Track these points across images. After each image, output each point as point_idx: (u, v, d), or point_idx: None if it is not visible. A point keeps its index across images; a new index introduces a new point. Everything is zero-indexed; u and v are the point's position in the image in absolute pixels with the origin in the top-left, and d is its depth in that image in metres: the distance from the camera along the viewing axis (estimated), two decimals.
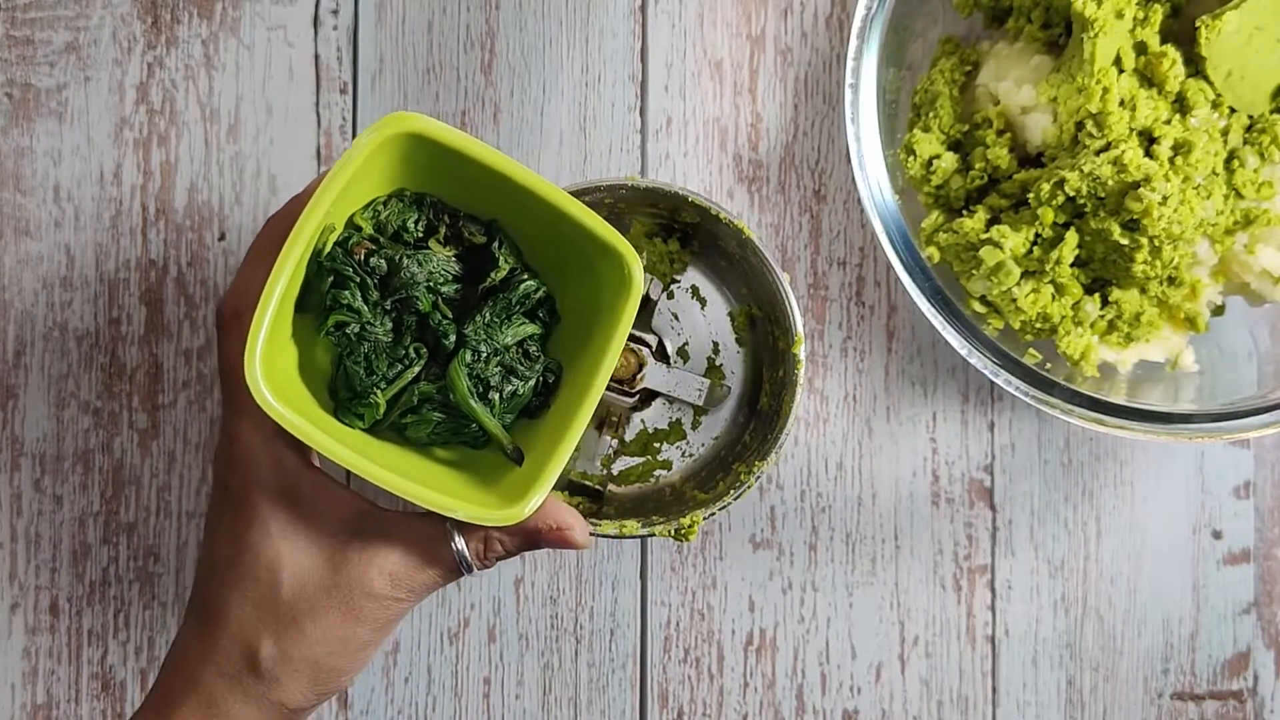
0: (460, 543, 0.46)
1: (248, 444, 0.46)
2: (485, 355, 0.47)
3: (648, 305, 0.59)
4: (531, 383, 0.48)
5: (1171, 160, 0.53)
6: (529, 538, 0.47)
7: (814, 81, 0.62)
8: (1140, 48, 0.55)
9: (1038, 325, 0.56)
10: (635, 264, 0.46)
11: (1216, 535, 0.62)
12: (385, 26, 0.62)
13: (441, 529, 0.47)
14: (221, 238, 0.61)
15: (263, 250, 0.46)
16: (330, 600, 0.45)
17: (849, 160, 0.56)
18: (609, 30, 0.62)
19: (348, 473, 0.50)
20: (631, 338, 0.57)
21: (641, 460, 0.60)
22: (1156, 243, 0.53)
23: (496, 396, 0.48)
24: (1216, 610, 0.62)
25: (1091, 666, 0.62)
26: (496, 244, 0.48)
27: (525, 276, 0.48)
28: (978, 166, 0.57)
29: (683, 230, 0.59)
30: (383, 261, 0.46)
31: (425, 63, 0.62)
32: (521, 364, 0.48)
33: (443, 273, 0.47)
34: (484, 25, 0.62)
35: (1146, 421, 0.55)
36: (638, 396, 0.58)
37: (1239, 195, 0.55)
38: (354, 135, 0.61)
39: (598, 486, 0.59)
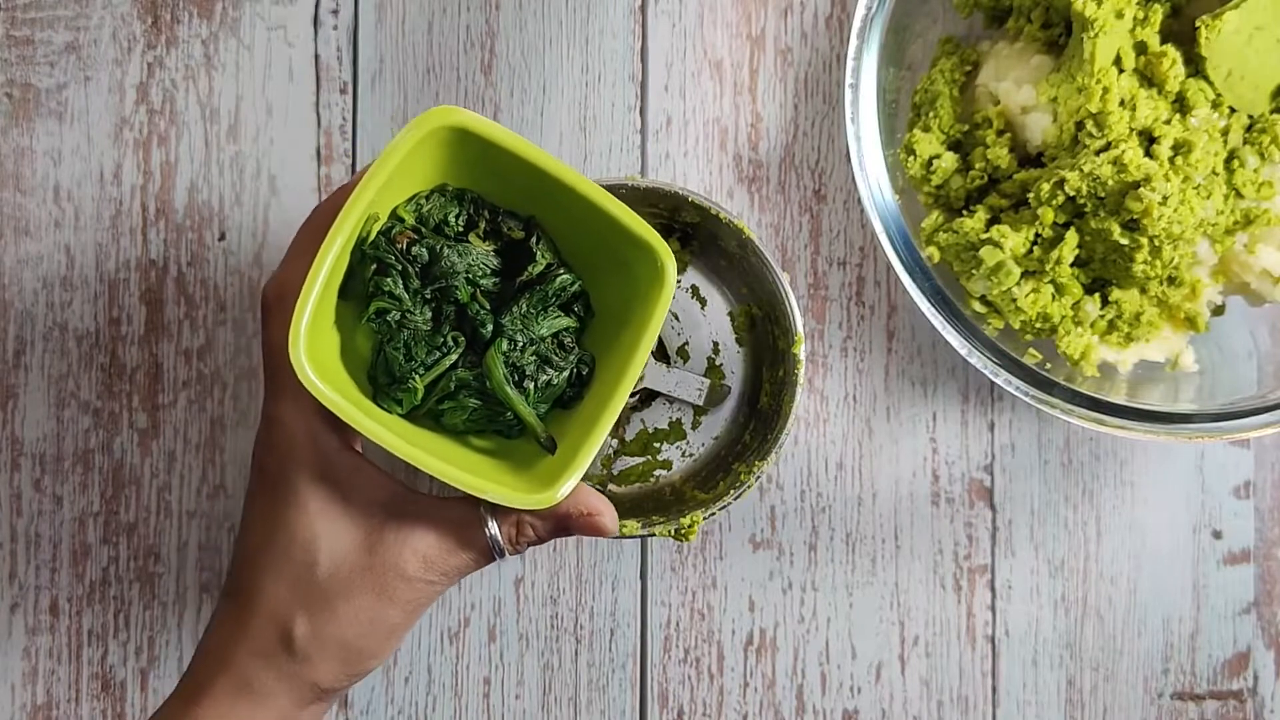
0: (493, 527, 0.47)
1: (288, 426, 0.46)
2: (521, 345, 0.48)
3: None
4: (566, 374, 0.49)
5: (1171, 160, 0.53)
6: (560, 523, 0.48)
7: (814, 81, 0.62)
8: (1140, 48, 0.55)
9: (1038, 325, 0.56)
10: (669, 259, 0.47)
11: (1216, 535, 0.62)
12: (385, 26, 0.62)
13: (475, 513, 0.47)
14: (221, 238, 0.61)
15: (307, 239, 0.47)
16: (364, 581, 0.46)
17: (849, 160, 0.56)
18: (609, 30, 0.62)
19: (385, 458, 0.50)
20: None
21: (641, 460, 0.60)
22: (1156, 243, 0.53)
23: (531, 385, 0.48)
24: (1216, 610, 0.62)
25: (1091, 666, 0.62)
26: (534, 239, 0.49)
27: (561, 271, 0.49)
28: (978, 166, 0.57)
29: (683, 230, 0.59)
30: (424, 251, 0.47)
31: (425, 63, 0.62)
32: (556, 355, 0.49)
33: (481, 265, 0.48)
34: (484, 25, 0.62)
35: (1146, 421, 0.55)
36: (638, 396, 0.58)
37: (1239, 195, 0.55)
38: (354, 135, 0.61)
39: (598, 486, 0.59)
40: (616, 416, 0.47)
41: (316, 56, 0.62)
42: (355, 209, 0.45)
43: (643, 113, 0.62)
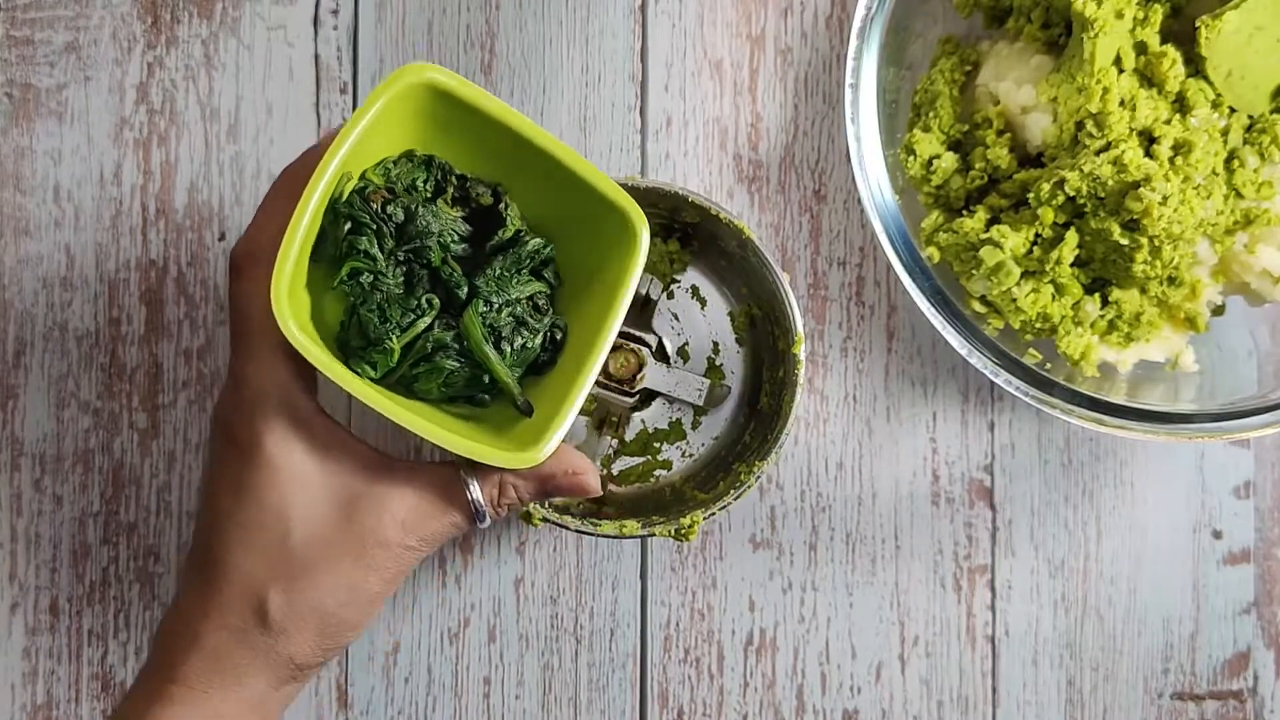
0: (475, 489, 0.46)
1: (260, 387, 0.45)
2: (497, 306, 0.48)
3: (648, 305, 0.59)
4: (540, 336, 0.48)
5: (1171, 160, 0.53)
6: (543, 483, 0.47)
7: (814, 81, 0.62)
8: (1140, 48, 0.55)
9: (1038, 325, 0.56)
10: (641, 221, 0.47)
11: (1216, 535, 0.62)
12: (385, 26, 0.62)
13: (455, 475, 0.46)
14: (221, 238, 0.61)
15: (277, 199, 0.46)
16: (342, 548, 0.45)
17: (849, 160, 0.56)
18: (609, 30, 0.62)
19: (356, 424, 0.50)
20: (632, 338, 0.57)
21: (641, 460, 0.60)
22: (1156, 243, 0.53)
23: (507, 349, 0.48)
24: (1216, 610, 0.62)
25: (1091, 666, 0.62)
26: (503, 205, 0.48)
27: (532, 236, 0.48)
28: (978, 166, 0.57)
29: (683, 230, 0.59)
30: (399, 210, 0.46)
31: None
32: (531, 317, 0.48)
33: (451, 230, 0.48)
34: (484, 25, 0.62)
35: (1146, 421, 0.55)
36: (638, 396, 0.58)
37: (1239, 195, 0.55)
38: None
39: None
40: (593, 377, 0.46)
41: (316, 56, 0.62)
42: (329, 165, 0.44)
43: (643, 113, 0.62)
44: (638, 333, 0.58)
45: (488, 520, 0.47)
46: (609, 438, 0.60)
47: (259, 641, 0.44)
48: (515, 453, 0.45)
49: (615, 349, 0.58)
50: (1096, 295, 0.56)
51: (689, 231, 0.59)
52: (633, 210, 0.47)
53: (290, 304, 0.44)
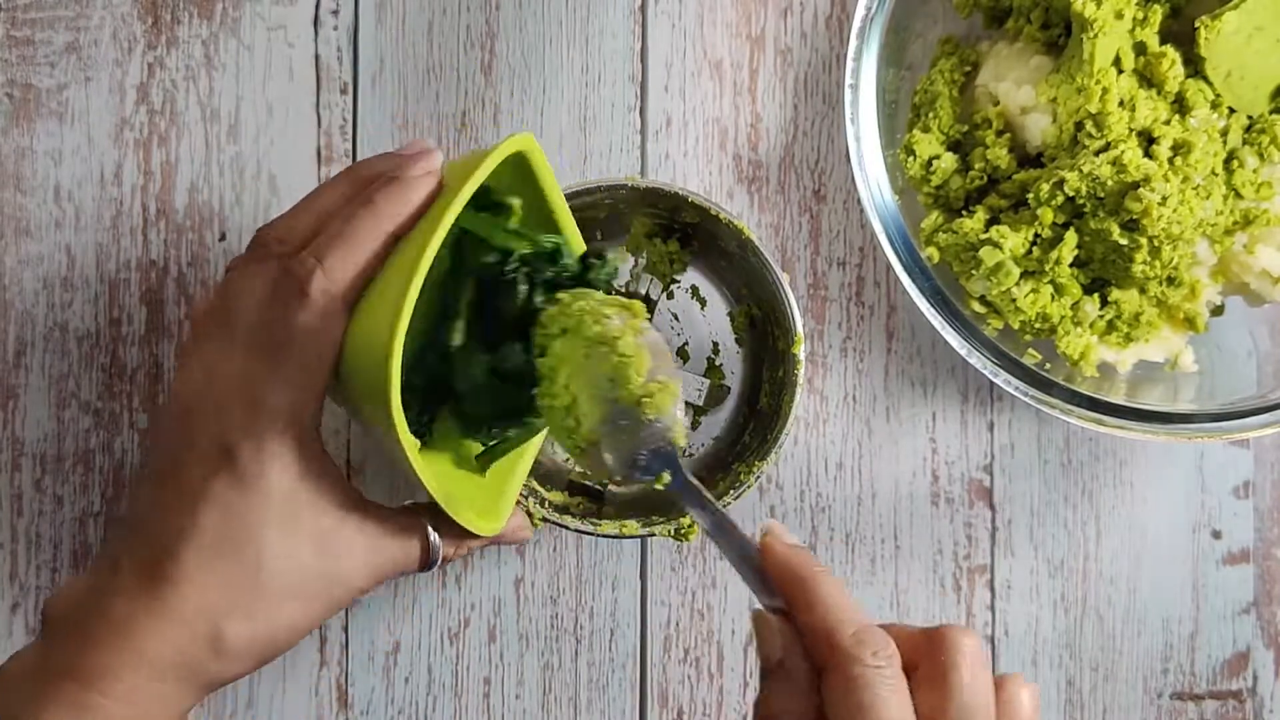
0: (436, 539, 0.48)
1: (280, 415, 0.44)
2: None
3: (647, 305, 0.59)
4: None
5: (1171, 160, 0.54)
6: (492, 538, 0.51)
7: (814, 82, 0.62)
8: (1140, 48, 0.55)
9: (1037, 325, 0.56)
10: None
11: (1216, 535, 0.63)
12: (385, 27, 0.62)
13: (418, 523, 0.48)
14: (222, 238, 0.61)
15: (370, 235, 0.45)
16: (310, 587, 0.45)
17: (849, 160, 0.56)
18: (609, 30, 0.62)
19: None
20: None
21: None
22: (1156, 243, 0.53)
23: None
24: (1216, 610, 0.62)
25: (1091, 666, 0.62)
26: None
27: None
28: (977, 167, 0.57)
29: (683, 230, 0.59)
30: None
31: (425, 63, 0.62)
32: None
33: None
34: (484, 26, 0.62)
35: (1146, 421, 0.55)
36: None
37: (1238, 195, 0.55)
38: (354, 136, 0.61)
39: (598, 486, 0.59)
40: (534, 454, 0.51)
41: (317, 57, 0.62)
42: (448, 217, 0.43)
43: (643, 113, 0.62)
44: None
45: (436, 568, 0.49)
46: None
47: (207, 665, 0.43)
48: (481, 521, 0.48)
49: None
50: (1096, 295, 0.56)
51: (689, 231, 0.59)
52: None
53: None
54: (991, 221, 0.57)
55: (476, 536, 0.49)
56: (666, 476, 0.44)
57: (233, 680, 0.45)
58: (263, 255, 0.46)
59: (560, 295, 0.47)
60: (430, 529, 0.48)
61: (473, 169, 0.44)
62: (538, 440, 0.52)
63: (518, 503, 0.53)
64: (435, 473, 0.47)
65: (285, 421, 0.44)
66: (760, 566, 0.41)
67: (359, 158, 0.61)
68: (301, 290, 0.44)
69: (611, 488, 0.59)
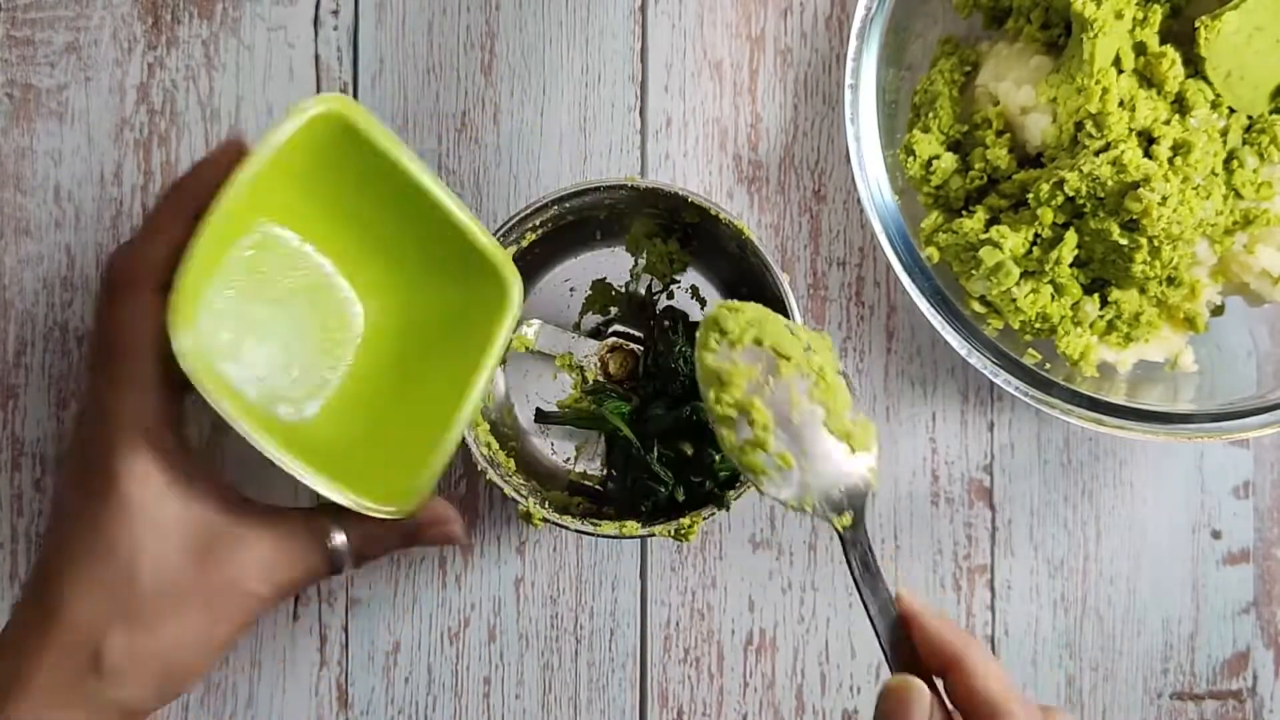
0: (339, 537, 0.45)
1: (124, 420, 0.42)
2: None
3: (647, 305, 0.59)
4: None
5: (1171, 160, 0.54)
6: (409, 536, 0.46)
7: (814, 82, 0.62)
8: (1140, 48, 0.55)
9: (1037, 325, 0.56)
10: (513, 278, 0.48)
11: (1216, 535, 0.63)
12: (385, 27, 0.62)
13: (318, 522, 0.45)
14: None
15: (167, 215, 0.43)
16: (193, 596, 0.42)
17: (849, 160, 0.56)
18: (609, 31, 0.62)
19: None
20: (630, 338, 0.57)
21: None
22: (1156, 243, 0.53)
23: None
24: (1216, 610, 0.62)
25: (1091, 666, 0.62)
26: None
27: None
28: (977, 167, 0.57)
29: (683, 230, 0.59)
30: None
31: (425, 63, 0.62)
32: None
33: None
34: (484, 26, 0.62)
35: (1146, 421, 0.55)
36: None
37: (1238, 195, 0.55)
38: None
39: (598, 486, 0.59)
40: (461, 430, 0.47)
41: (316, 57, 0.62)
42: (236, 191, 0.42)
43: (642, 113, 0.62)
44: (633, 331, 0.58)
45: (346, 570, 0.45)
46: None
47: (91, 689, 0.42)
48: (383, 502, 0.44)
49: (614, 349, 0.58)
50: (1096, 295, 0.56)
51: (689, 231, 0.59)
52: (508, 269, 0.48)
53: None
54: (991, 221, 0.57)
55: (389, 533, 0.46)
56: (848, 518, 0.45)
57: (139, 710, 0.43)
58: (102, 272, 0.45)
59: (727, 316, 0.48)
60: (332, 528, 0.45)
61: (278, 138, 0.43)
62: (464, 416, 0.47)
63: (516, 503, 0.53)
64: (314, 450, 0.45)
65: (126, 424, 0.42)
66: (900, 630, 0.43)
67: None
68: (109, 287, 0.43)
69: (612, 486, 0.59)
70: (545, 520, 0.54)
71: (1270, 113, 0.56)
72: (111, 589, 0.42)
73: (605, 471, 0.57)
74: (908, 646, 0.44)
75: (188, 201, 0.43)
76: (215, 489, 0.44)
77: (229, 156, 0.44)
